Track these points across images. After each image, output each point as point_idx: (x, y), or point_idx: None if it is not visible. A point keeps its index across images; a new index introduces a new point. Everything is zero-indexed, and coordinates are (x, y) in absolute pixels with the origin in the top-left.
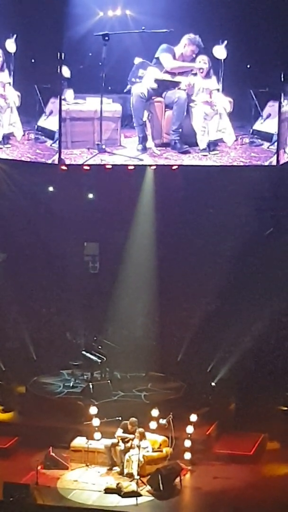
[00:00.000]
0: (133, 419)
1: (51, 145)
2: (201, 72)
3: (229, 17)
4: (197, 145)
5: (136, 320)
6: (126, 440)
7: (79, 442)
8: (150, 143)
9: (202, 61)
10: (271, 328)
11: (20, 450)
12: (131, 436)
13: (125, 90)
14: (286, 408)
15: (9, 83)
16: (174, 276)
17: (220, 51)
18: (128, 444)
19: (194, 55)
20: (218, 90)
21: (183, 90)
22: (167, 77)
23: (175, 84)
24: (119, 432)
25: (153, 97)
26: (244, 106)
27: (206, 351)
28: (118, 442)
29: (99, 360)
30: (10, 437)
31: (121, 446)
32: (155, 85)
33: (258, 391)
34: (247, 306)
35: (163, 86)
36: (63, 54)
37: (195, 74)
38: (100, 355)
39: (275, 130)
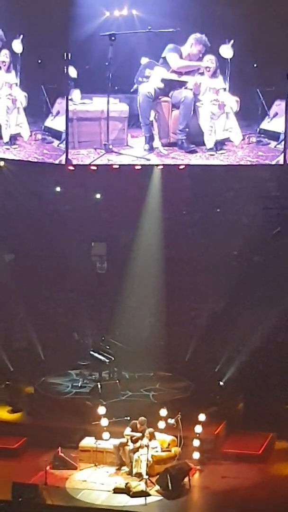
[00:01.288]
0: (142, 418)
1: (58, 146)
2: (208, 71)
3: (235, 16)
4: (204, 144)
5: (143, 320)
6: (134, 439)
7: (88, 442)
8: (157, 143)
9: (210, 61)
10: (279, 327)
11: (29, 450)
12: (139, 434)
13: (132, 90)
14: None
15: (16, 83)
16: (181, 275)
17: (226, 51)
18: (137, 444)
19: (201, 55)
20: (224, 89)
21: (190, 90)
22: (174, 76)
23: (182, 84)
24: (128, 430)
25: (160, 97)
26: (250, 105)
27: (214, 350)
28: (127, 441)
29: (107, 360)
30: (19, 438)
31: (130, 445)
32: (161, 85)
33: (266, 391)
34: (255, 305)
35: (170, 85)
36: (69, 55)
37: (202, 74)
38: (108, 355)
39: (282, 129)
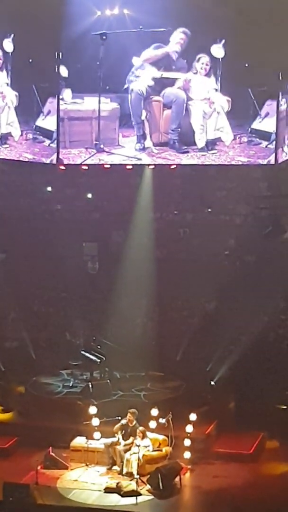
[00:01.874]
0: (133, 409)
1: (49, 145)
2: (202, 70)
3: (226, 15)
4: (195, 144)
5: (135, 319)
6: (124, 434)
7: (79, 441)
8: (148, 143)
9: (204, 62)
10: (270, 327)
11: (20, 450)
12: (130, 441)
13: (123, 88)
14: (285, 407)
15: (7, 83)
16: (173, 275)
17: (218, 50)
18: (129, 440)
19: (182, 43)
20: (216, 89)
21: (182, 90)
22: (165, 74)
23: (173, 81)
24: (118, 426)
25: (151, 96)
26: (242, 105)
27: (205, 350)
28: (118, 439)
29: (98, 360)
30: (10, 437)
31: (121, 443)
32: (152, 83)
33: (258, 390)
34: (246, 305)
35: (161, 84)
36: (60, 54)
37: (195, 73)
38: (99, 355)
39: (273, 129)
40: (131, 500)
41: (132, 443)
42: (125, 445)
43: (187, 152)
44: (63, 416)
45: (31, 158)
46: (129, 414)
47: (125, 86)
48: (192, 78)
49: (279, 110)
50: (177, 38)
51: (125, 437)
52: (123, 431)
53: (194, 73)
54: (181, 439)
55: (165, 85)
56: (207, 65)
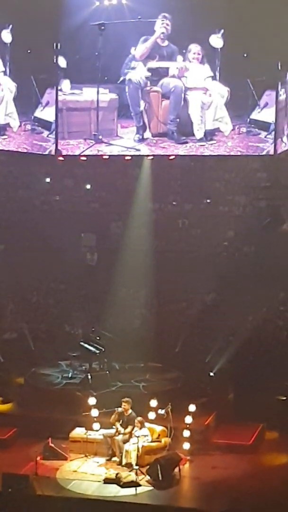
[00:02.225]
0: (127, 398)
1: (47, 136)
2: (194, 59)
3: (225, 5)
4: (193, 135)
5: (134, 310)
6: (121, 423)
7: (78, 432)
8: (147, 133)
9: (195, 51)
10: (269, 318)
11: (19, 441)
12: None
13: (118, 82)
14: (284, 398)
15: (3, 71)
16: (172, 266)
17: (216, 40)
18: (127, 429)
19: (166, 27)
20: (212, 77)
21: (179, 79)
22: (160, 64)
23: (167, 70)
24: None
25: (149, 86)
26: (241, 95)
27: (204, 341)
28: (117, 429)
29: (97, 351)
30: (9, 428)
31: (121, 430)
32: (148, 74)
33: (257, 381)
34: (245, 296)
35: (157, 74)
36: (59, 44)
37: (190, 63)
38: (98, 346)
39: (273, 120)
40: (130, 491)
41: (131, 432)
42: (123, 434)
43: (186, 142)
44: (62, 407)
45: (29, 149)
46: (123, 403)
47: (121, 79)
48: (187, 68)
49: (278, 100)
50: (160, 24)
51: (122, 426)
52: (121, 421)
53: (188, 62)
54: (180, 430)
55: (161, 75)
56: (198, 54)
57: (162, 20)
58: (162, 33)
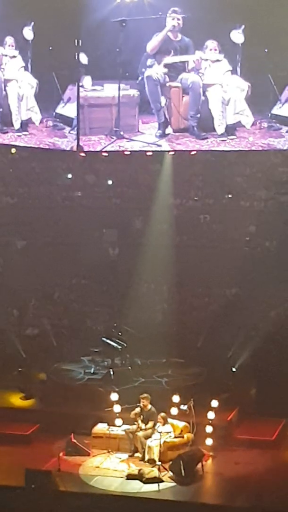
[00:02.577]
0: (145, 394)
1: (69, 132)
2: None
3: (246, 1)
4: (214, 130)
5: (156, 306)
6: (143, 419)
7: (101, 428)
8: (168, 129)
9: (212, 48)
10: None
11: (42, 437)
12: (150, 424)
13: (137, 81)
14: None
15: (25, 68)
16: (193, 261)
17: (237, 36)
18: (149, 425)
19: (178, 21)
20: (230, 71)
21: (197, 74)
22: (175, 59)
23: (184, 65)
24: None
25: (168, 82)
26: (262, 91)
27: (226, 336)
28: (138, 425)
29: (119, 347)
30: (31, 424)
31: (142, 427)
32: (165, 70)
33: (279, 376)
34: (267, 291)
35: (174, 69)
36: (80, 41)
37: (207, 60)
38: (120, 342)
39: None
40: (153, 487)
41: (152, 427)
42: (145, 429)
43: (207, 138)
44: (85, 402)
45: (51, 145)
46: (142, 400)
47: (139, 78)
48: (205, 63)
49: None
50: (171, 19)
51: (143, 422)
52: (141, 416)
53: (205, 60)
54: (203, 425)
55: (179, 70)
56: (215, 49)
57: (173, 15)
58: (173, 26)
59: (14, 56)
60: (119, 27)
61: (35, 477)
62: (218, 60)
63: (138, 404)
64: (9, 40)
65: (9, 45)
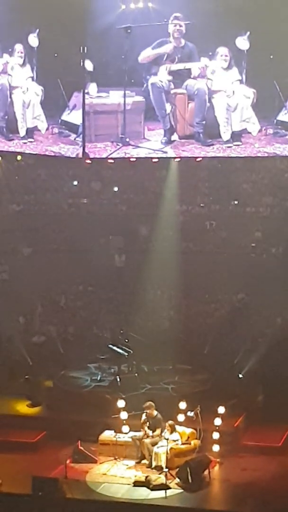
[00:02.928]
0: (148, 403)
1: (75, 139)
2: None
3: (250, 7)
4: (220, 137)
5: (162, 312)
6: (149, 426)
7: (107, 435)
8: (174, 136)
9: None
10: None
11: (48, 444)
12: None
13: (142, 89)
14: None
15: (31, 77)
16: (199, 268)
17: (242, 42)
18: (156, 432)
19: (178, 30)
20: (239, 81)
21: (202, 80)
22: (179, 66)
23: (189, 71)
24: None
25: (173, 89)
26: (267, 97)
27: (233, 342)
28: (145, 432)
29: (126, 353)
30: (38, 431)
31: (149, 433)
32: (170, 77)
33: (286, 382)
34: (273, 297)
35: (179, 75)
36: (85, 48)
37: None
38: (126, 348)
39: None
40: (160, 494)
41: (159, 435)
42: (152, 436)
43: (212, 144)
44: (91, 409)
45: (57, 152)
46: (146, 409)
47: (144, 86)
48: (214, 71)
49: None
50: (173, 26)
51: (150, 429)
52: (148, 423)
53: (214, 67)
54: (210, 432)
55: (184, 76)
56: (226, 56)
57: (175, 22)
58: (178, 30)
59: (23, 64)
60: (124, 34)
61: (42, 484)
62: (228, 68)
63: (144, 411)
64: (18, 47)
65: (18, 52)
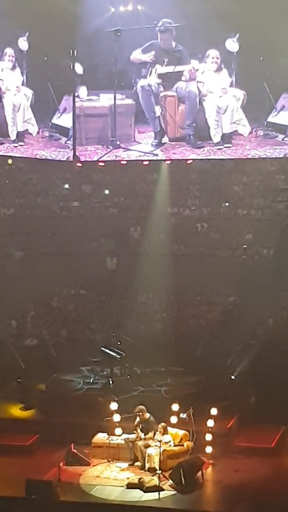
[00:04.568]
0: (139, 407)
1: (65, 142)
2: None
3: (240, 10)
4: (211, 139)
5: (154, 315)
6: (142, 429)
7: (100, 438)
8: (165, 138)
9: (214, 56)
10: None
11: (42, 447)
12: (150, 434)
13: (132, 92)
14: None
15: (22, 81)
16: (191, 270)
17: (232, 44)
18: (149, 435)
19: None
20: (229, 83)
21: (193, 83)
22: (169, 69)
23: (179, 74)
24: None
25: (162, 91)
26: (257, 99)
27: (225, 344)
28: (138, 435)
29: (118, 356)
30: (31, 435)
31: (141, 436)
32: (159, 80)
33: (278, 384)
34: (265, 298)
35: (168, 78)
36: (75, 51)
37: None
38: (119, 351)
39: None
40: (153, 496)
41: (152, 437)
42: (144, 439)
43: (203, 147)
44: (84, 412)
45: (47, 156)
46: (137, 414)
47: (134, 89)
48: (204, 73)
49: None
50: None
51: (143, 432)
52: (140, 426)
53: (204, 70)
54: (203, 433)
55: (174, 79)
56: (217, 58)
57: (165, 25)
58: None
59: (13, 68)
60: (114, 37)
61: (35, 487)
62: (218, 70)
63: (137, 413)
64: (9, 51)
65: (8, 56)
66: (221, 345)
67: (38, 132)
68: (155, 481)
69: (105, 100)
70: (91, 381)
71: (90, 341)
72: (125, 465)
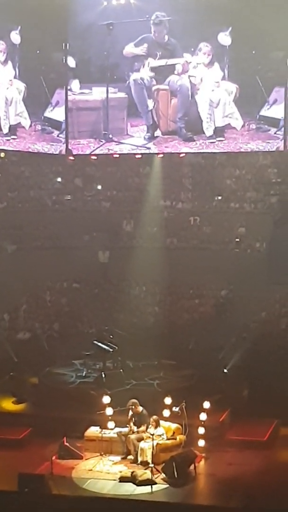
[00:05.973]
0: (132, 400)
1: (58, 136)
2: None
3: (232, 3)
4: (203, 132)
5: (147, 308)
6: (135, 422)
7: (93, 431)
8: (157, 132)
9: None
10: (282, 314)
11: (34, 441)
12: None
13: (125, 85)
14: None
15: (14, 74)
16: (184, 264)
17: (224, 38)
18: (141, 428)
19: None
20: (222, 76)
21: (186, 76)
22: (161, 62)
23: (172, 68)
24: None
25: (154, 85)
26: (250, 92)
27: (217, 338)
28: (131, 428)
29: (111, 350)
30: (24, 428)
31: (134, 429)
32: (152, 73)
33: (271, 377)
34: (258, 292)
35: (161, 71)
36: (68, 44)
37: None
38: (111, 345)
39: (282, 116)
40: (146, 489)
41: (144, 430)
42: (137, 432)
43: (195, 140)
44: (77, 406)
45: (40, 149)
46: (130, 407)
47: (127, 82)
48: (196, 67)
49: (287, 96)
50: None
51: (135, 425)
52: (133, 419)
53: (197, 63)
54: (195, 427)
55: (166, 73)
56: (209, 52)
57: (158, 18)
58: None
59: (5, 61)
60: (106, 31)
61: (28, 481)
62: (211, 63)
63: (130, 407)
64: (0, 44)
65: (1, 49)
66: (214, 338)
67: (30, 126)
68: (147, 474)
69: (97, 93)
70: (83, 374)
71: (82, 334)
72: (117, 458)
